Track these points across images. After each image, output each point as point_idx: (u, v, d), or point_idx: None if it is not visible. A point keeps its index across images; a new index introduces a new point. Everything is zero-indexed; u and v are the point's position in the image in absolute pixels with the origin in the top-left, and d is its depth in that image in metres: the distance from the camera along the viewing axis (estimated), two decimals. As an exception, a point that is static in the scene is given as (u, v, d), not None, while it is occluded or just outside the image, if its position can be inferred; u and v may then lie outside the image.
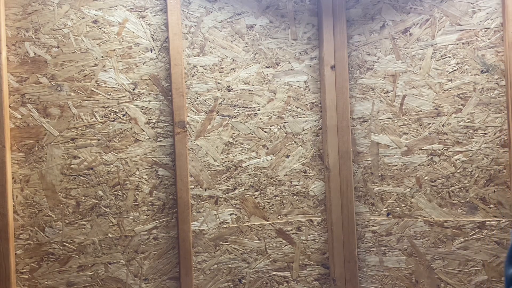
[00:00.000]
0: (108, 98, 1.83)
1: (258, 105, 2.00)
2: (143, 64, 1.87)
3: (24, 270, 1.75)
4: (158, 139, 1.88)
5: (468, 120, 1.89)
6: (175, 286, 1.89)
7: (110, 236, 1.83)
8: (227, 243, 1.96)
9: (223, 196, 1.96)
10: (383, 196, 2.02)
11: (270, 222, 2.01)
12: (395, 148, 2.00)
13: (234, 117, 1.98)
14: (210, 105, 1.95)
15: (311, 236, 2.05)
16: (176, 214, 1.87)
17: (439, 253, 1.94)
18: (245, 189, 1.99)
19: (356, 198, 2.06)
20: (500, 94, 1.84)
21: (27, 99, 1.75)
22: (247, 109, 1.99)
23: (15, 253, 1.73)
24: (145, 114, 1.87)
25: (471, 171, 1.89)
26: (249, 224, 1.99)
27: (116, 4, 1.84)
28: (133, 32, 1.86)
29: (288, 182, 2.03)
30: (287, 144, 2.04)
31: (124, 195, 1.85)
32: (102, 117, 1.83)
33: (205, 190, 1.94)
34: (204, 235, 1.93)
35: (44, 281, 1.76)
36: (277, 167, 2.02)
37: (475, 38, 1.87)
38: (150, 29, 1.88)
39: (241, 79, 1.98)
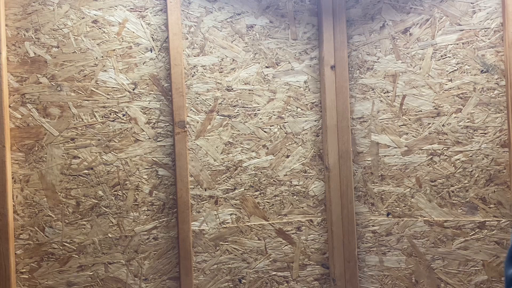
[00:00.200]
0: (108, 98, 1.83)
1: (258, 105, 2.00)
2: (143, 64, 1.87)
3: (24, 270, 1.75)
4: (158, 139, 1.88)
5: (468, 120, 1.89)
6: (175, 286, 1.89)
7: (110, 236, 1.83)
8: (227, 243, 1.96)
9: (223, 196, 1.96)
10: (383, 196, 2.02)
11: (270, 222, 2.01)
12: (395, 148, 2.00)
13: (234, 117, 1.98)
14: (210, 105, 1.95)
15: (311, 236, 2.05)
16: (176, 214, 1.87)
17: (439, 253, 1.94)
18: (245, 189, 1.99)
19: (356, 198, 2.06)
20: (500, 94, 1.84)
21: (27, 99, 1.75)
22: (247, 109, 1.99)
23: (15, 253, 1.73)
24: (145, 114, 1.87)
25: (471, 171, 1.89)
26: (249, 224, 1.99)
27: (116, 4, 1.84)
28: (133, 32, 1.86)
29: (288, 182, 2.03)
30: (287, 144, 2.04)
31: (124, 195, 1.85)
32: (102, 117, 1.83)
33: (205, 190, 1.94)
34: (204, 235, 1.93)
35: (44, 281, 1.76)
36: (277, 167, 2.02)
37: (475, 38, 1.87)
38: (150, 29, 1.88)
39: (241, 79, 1.98)
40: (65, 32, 1.79)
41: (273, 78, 2.02)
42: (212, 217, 1.95)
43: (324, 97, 2.04)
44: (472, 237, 1.89)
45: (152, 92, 1.88)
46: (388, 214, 2.02)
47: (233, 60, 1.98)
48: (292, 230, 2.03)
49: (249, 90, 1.99)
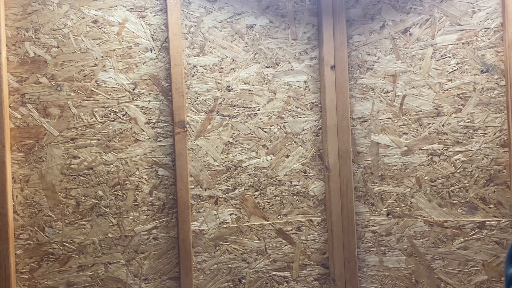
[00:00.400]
0: (108, 98, 1.83)
1: (258, 105, 2.00)
2: (143, 64, 1.87)
3: (24, 270, 1.75)
4: (158, 139, 1.88)
5: (468, 120, 1.89)
6: (175, 286, 1.89)
7: (110, 236, 1.83)
8: (227, 243, 1.96)
9: (223, 196, 1.96)
10: (383, 196, 2.02)
11: (270, 222, 2.01)
12: (395, 148, 2.00)
13: (234, 117, 1.98)
14: (210, 105, 1.95)
15: (311, 236, 2.05)
16: (176, 214, 1.87)
17: (439, 253, 1.94)
18: (245, 189, 1.99)
19: (356, 198, 2.06)
20: (500, 94, 1.84)
21: (27, 99, 1.75)
22: (247, 109, 1.99)
23: (15, 253, 1.73)
24: (145, 114, 1.87)
25: (471, 171, 1.89)
26: (249, 224, 1.99)
27: (116, 4, 1.84)
28: (133, 32, 1.86)
29: (288, 182, 2.03)
30: (287, 144, 2.04)
31: (124, 195, 1.85)
32: (102, 117, 1.83)
33: (205, 190, 1.94)
34: (204, 235, 1.93)
35: (44, 281, 1.76)
36: (277, 167, 2.02)
37: (475, 38, 1.87)
38: (150, 29, 1.88)
39: (241, 79, 1.98)
40: (65, 32, 1.79)
41: (273, 78, 2.02)
42: (212, 217, 1.95)
43: (324, 97, 2.04)
44: (472, 237, 1.89)
45: (152, 92, 1.88)
46: (388, 214, 2.02)
47: (233, 60, 1.98)
48: (292, 230, 2.03)
49: (249, 90, 1.99)
